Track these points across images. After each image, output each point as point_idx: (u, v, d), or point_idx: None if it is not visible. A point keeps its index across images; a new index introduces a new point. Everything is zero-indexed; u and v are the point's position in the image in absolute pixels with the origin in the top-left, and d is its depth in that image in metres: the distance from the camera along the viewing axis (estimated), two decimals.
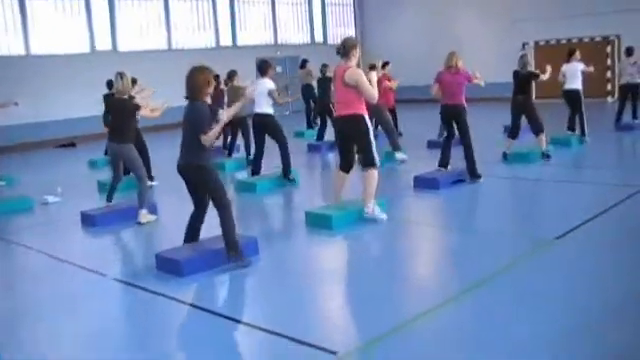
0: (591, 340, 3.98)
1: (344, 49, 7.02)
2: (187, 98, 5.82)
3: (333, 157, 12.12)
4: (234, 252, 5.76)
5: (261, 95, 9.44)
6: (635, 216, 6.87)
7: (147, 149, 10.04)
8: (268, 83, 9.53)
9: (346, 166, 7.32)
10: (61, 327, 4.84)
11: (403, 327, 4.28)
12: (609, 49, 20.74)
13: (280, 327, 4.39)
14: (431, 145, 12.25)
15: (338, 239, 6.76)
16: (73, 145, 17.44)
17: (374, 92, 6.93)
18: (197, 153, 5.75)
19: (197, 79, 5.73)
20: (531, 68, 10.68)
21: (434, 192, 8.52)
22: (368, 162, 7.06)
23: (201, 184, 5.89)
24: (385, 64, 13.45)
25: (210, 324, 4.69)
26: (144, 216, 7.84)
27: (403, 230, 7.08)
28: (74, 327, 4.82)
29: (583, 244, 5.93)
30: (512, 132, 10.50)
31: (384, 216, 7.09)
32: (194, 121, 5.71)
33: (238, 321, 4.69)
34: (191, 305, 5.07)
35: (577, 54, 11.97)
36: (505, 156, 10.45)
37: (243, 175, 10.57)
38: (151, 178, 9.89)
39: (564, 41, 21.32)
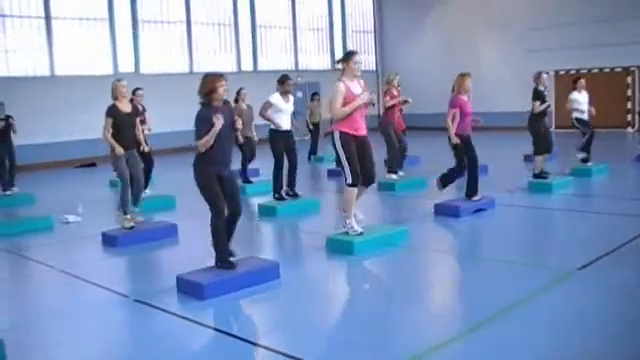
0: None
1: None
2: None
3: None
4: (217, 259, 6.01)
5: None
6: None
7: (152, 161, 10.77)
8: (270, 97, 9.66)
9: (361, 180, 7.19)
10: (81, 347, 4.85)
11: (421, 357, 4.25)
12: (629, 80, 20.71)
13: (301, 352, 4.38)
14: None
15: (359, 265, 6.74)
16: (94, 165, 17.59)
17: (332, 108, 6.97)
18: (196, 155, 5.99)
19: (201, 83, 5.95)
20: (541, 87, 10.50)
21: (455, 220, 8.49)
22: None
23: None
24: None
25: (231, 348, 4.68)
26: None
27: (423, 258, 7.06)
28: (94, 348, 4.83)
29: (606, 275, 5.86)
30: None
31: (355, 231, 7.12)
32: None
33: (258, 345, 4.67)
34: (212, 328, 5.08)
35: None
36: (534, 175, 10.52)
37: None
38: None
39: (584, 71, 21.32)
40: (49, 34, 18.40)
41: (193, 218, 8.60)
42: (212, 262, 6.11)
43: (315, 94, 17.50)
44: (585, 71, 21.32)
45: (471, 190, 8.94)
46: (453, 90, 9.05)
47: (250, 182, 11.86)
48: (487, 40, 23.87)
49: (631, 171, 12.42)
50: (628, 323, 4.70)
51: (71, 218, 9.65)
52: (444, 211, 8.73)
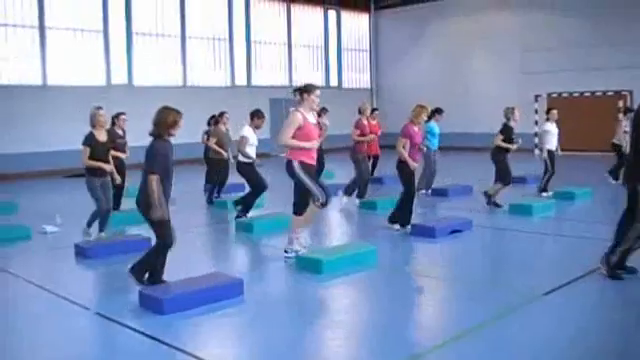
0: None
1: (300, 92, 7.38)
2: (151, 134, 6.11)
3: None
4: (133, 274, 6.16)
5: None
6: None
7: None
8: (243, 130, 9.85)
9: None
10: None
11: None
12: (621, 103, 20.76)
13: None
14: (435, 192, 12.38)
15: (326, 284, 6.68)
16: (83, 176, 17.51)
17: (280, 135, 7.27)
18: (145, 189, 5.99)
19: (164, 117, 6.02)
20: (510, 122, 10.74)
21: (430, 241, 8.45)
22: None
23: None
24: (374, 110, 13.50)
25: None
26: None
27: (393, 278, 7.00)
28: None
29: (570, 301, 5.83)
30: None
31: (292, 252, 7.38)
32: (145, 158, 6.01)
33: None
34: (167, 345, 5.00)
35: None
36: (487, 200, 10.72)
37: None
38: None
39: (576, 94, 21.41)
40: (43, 44, 18.47)
41: None
42: (180, 276, 6.22)
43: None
44: (577, 94, 21.42)
45: (403, 219, 8.96)
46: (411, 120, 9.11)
47: (212, 202, 11.85)
48: (481, 60, 23.98)
49: (616, 195, 12.35)
50: (578, 353, 4.67)
51: (49, 228, 9.62)
52: (420, 232, 8.70)
